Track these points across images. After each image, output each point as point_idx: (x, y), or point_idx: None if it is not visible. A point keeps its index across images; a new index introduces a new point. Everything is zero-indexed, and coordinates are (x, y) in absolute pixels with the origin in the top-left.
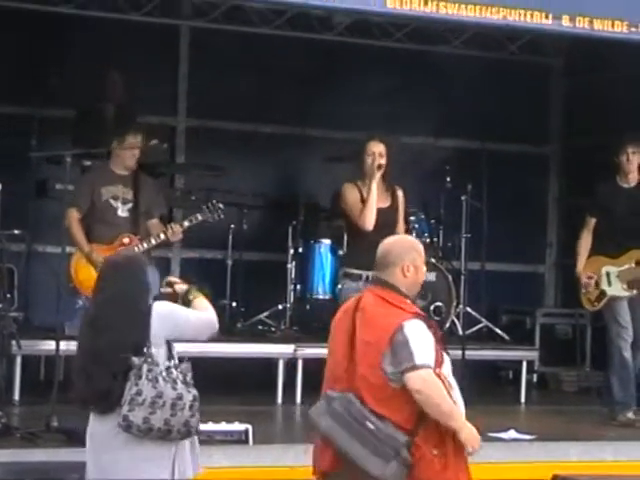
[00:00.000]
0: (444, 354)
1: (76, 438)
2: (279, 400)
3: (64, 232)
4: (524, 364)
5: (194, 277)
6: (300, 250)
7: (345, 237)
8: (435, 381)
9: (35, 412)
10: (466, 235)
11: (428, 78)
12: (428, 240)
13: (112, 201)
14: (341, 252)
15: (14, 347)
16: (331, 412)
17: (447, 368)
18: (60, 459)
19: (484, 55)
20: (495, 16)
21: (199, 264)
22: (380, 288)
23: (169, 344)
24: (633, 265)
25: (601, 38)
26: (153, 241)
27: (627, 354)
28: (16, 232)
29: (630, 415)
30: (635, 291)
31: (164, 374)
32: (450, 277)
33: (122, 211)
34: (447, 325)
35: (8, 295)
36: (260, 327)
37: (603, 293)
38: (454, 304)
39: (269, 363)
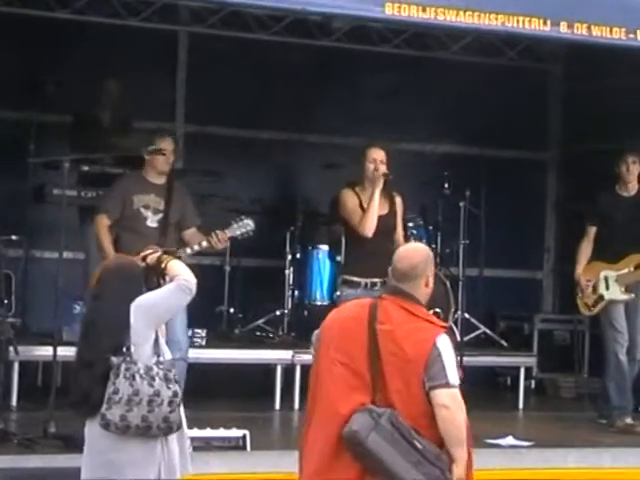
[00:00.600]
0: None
1: (73, 444)
2: (277, 406)
3: (62, 238)
4: (522, 370)
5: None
6: (298, 256)
7: (343, 243)
8: (462, 402)
9: (32, 418)
10: (464, 241)
11: (426, 84)
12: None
13: (143, 210)
14: (339, 258)
15: (11, 353)
16: (379, 429)
17: None
18: (57, 465)
19: (482, 61)
20: (493, 22)
21: (197, 270)
22: (402, 299)
23: (157, 341)
24: (632, 269)
25: (599, 44)
26: (189, 250)
27: (623, 358)
28: (14, 237)
29: (628, 420)
30: (633, 295)
31: (142, 372)
32: (448, 283)
33: (152, 221)
34: None
35: (5, 301)
36: (258, 333)
37: (601, 297)
38: (452, 310)
39: (267, 369)
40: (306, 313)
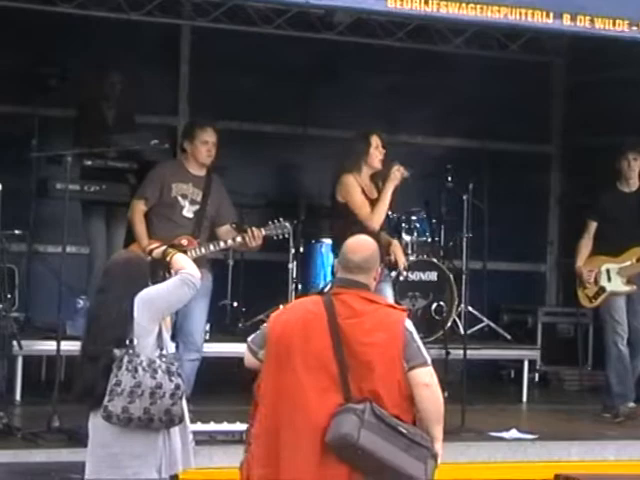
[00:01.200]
0: None
1: (77, 438)
2: None
3: (65, 232)
4: (526, 363)
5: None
6: (301, 250)
7: (337, 229)
8: (437, 381)
9: (36, 412)
10: (467, 234)
11: (429, 77)
12: (429, 239)
13: (180, 199)
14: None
15: (15, 347)
16: (366, 425)
17: None
18: (61, 459)
19: (485, 54)
20: (496, 15)
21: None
22: (359, 290)
23: (160, 334)
24: (634, 261)
25: (602, 36)
26: (212, 247)
27: (623, 348)
28: (17, 232)
29: (631, 405)
30: (635, 287)
31: (144, 364)
32: (451, 276)
33: (187, 211)
34: (449, 324)
35: (9, 295)
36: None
37: (602, 289)
38: (455, 303)
39: None
40: None
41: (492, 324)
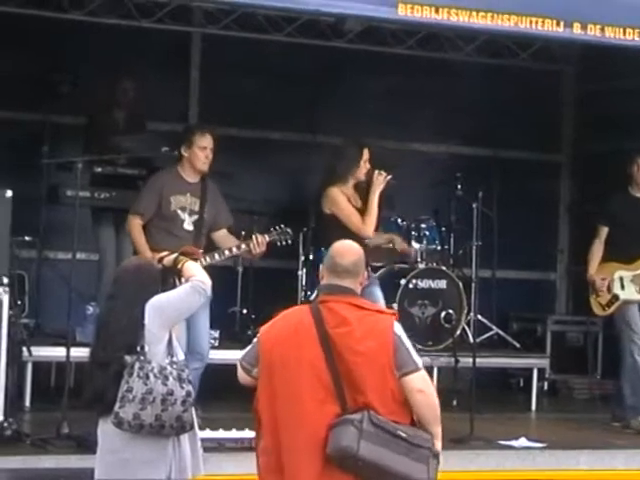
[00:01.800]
0: None
1: (87, 445)
2: None
3: (75, 239)
4: (535, 371)
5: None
6: (310, 257)
7: (326, 241)
8: (431, 383)
9: (46, 419)
10: (477, 242)
11: (439, 85)
12: (439, 247)
13: (180, 212)
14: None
15: (25, 353)
16: (365, 435)
17: None
18: (71, 466)
19: (495, 62)
20: (506, 23)
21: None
22: (346, 296)
23: (170, 341)
24: None
25: (612, 45)
26: (227, 252)
27: (639, 359)
28: (27, 238)
29: None
30: None
31: (155, 371)
32: (461, 284)
33: (188, 224)
34: (458, 332)
35: (19, 302)
36: None
37: (615, 297)
38: (465, 311)
39: None
40: None
41: (501, 332)
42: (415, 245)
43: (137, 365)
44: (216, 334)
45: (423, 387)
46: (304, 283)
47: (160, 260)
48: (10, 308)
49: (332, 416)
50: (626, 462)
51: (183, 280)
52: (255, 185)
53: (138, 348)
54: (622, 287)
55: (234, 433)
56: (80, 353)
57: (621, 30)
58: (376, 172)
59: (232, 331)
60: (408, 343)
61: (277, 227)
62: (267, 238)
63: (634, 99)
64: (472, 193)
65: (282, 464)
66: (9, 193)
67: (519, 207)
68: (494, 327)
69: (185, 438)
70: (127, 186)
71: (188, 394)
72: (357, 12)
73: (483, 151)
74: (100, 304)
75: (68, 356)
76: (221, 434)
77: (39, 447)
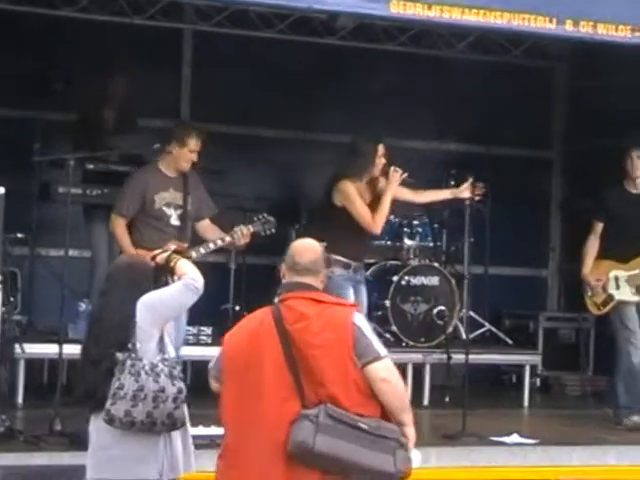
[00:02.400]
0: None
1: (79, 441)
2: None
3: (67, 236)
4: (527, 368)
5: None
6: None
7: (328, 225)
8: (396, 369)
9: (38, 415)
10: (469, 239)
11: (432, 82)
12: (431, 244)
13: (165, 209)
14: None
15: (17, 350)
16: (322, 429)
17: None
18: (63, 463)
19: (488, 59)
20: (499, 20)
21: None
22: (306, 292)
23: (162, 338)
24: None
25: (605, 42)
26: (212, 245)
27: (635, 360)
28: (19, 235)
29: (636, 419)
30: None
31: (147, 368)
32: (453, 281)
33: (175, 219)
34: (450, 329)
35: (11, 299)
36: None
37: (610, 297)
38: (457, 308)
39: None
40: None
41: (494, 329)
42: (408, 242)
43: (128, 362)
44: (209, 331)
45: (386, 376)
46: None
47: (153, 258)
48: (2, 305)
49: (294, 413)
50: (618, 458)
51: (176, 278)
52: (246, 182)
53: (129, 345)
54: (617, 287)
55: None
56: (72, 350)
57: (613, 27)
58: (392, 169)
59: (225, 328)
60: (370, 333)
61: (260, 216)
62: (251, 229)
63: (626, 96)
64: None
65: (244, 468)
66: (1, 190)
67: (511, 204)
68: (486, 324)
69: (177, 435)
70: (119, 183)
71: (179, 391)
72: (349, 9)
73: (475, 148)
74: (92, 301)
75: (60, 353)
76: (213, 431)
77: (32, 444)
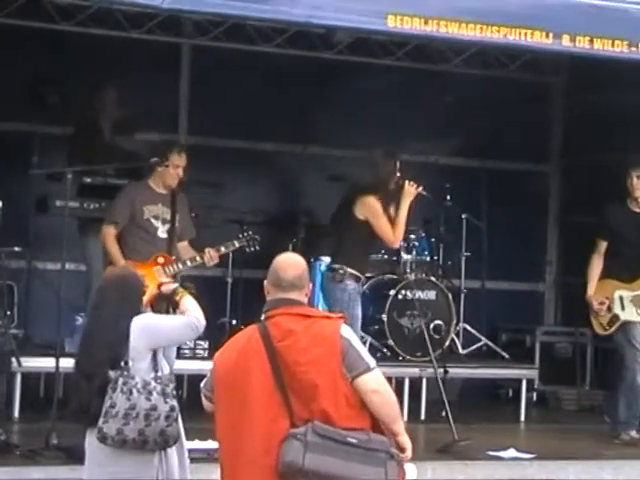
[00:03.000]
0: None
1: (76, 456)
2: None
3: (64, 249)
4: (524, 382)
5: (189, 282)
6: None
7: (346, 238)
8: (385, 381)
9: (35, 429)
10: (466, 253)
11: (429, 96)
12: (428, 258)
13: (153, 220)
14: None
15: (14, 364)
16: (310, 447)
17: None
18: (59, 477)
19: (484, 73)
20: (495, 35)
21: (199, 282)
22: (292, 307)
23: (155, 356)
24: None
25: (601, 57)
26: (189, 263)
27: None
28: (16, 249)
29: (633, 434)
30: None
31: (139, 386)
32: (450, 295)
33: (162, 232)
34: (447, 343)
35: (8, 312)
36: None
37: (616, 317)
38: (454, 322)
39: None
40: None
41: (490, 343)
42: (405, 256)
43: (121, 380)
44: (205, 345)
45: (377, 387)
46: None
47: (159, 286)
48: None
49: (283, 432)
50: (614, 473)
51: (178, 312)
52: (245, 196)
53: (122, 363)
54: (622, 308)
55: None
56: (69, 364)
57: (610, 42)
58: (407, 183)
59: (221, 342)
60: (358, 345)
61: (245, 234)
62: (222, 250)
63: (622, 110)
64: (461, 204)
65: None
66: None
67: (508, 218)
68: (483, 338)
69: (172, 449)
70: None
71: (172, 409)
72: (347, 24)
73: (472, 162)
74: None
75: (57, 367)
76: (210, 444)
77: (28, 458)
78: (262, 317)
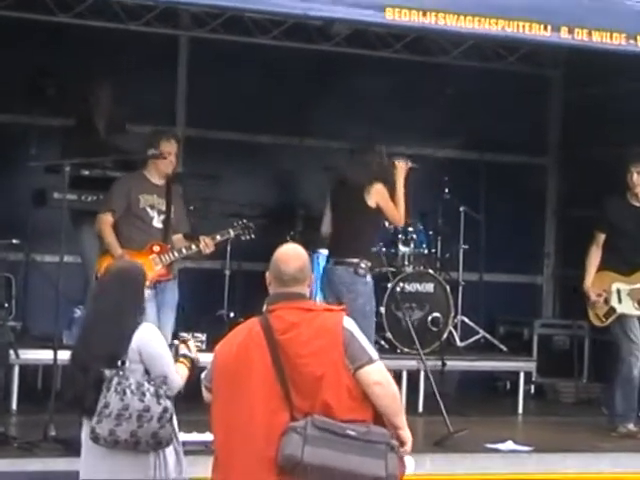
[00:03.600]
0: None
1: (74, 448)
2: None
3: (62, 242)
4: (522, 375)
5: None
6: None
7: (362, 230)
8: (388, 372)
9: (33, 421)
10: (464, 246)
11: (427, 89)
12: (426, 251)
13: (149, 210)
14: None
15: (12, 356)
16: (310, 440)
17: None
18: (57, 469)
19: (483, 66)
20: (494, 27)
21: (197, 274)
22: (294, 301)
23: None
24: None
25: (599, 50)
26: (184, 251)
27: (636, 370)
28: (14, 241)
29: (631, 427)
30: None
31: (133, 387)
32: (448, 288)
33: (157, 221)
34: (445, 336)
35: (6, 304)
36: None
37: (613, 310)
38: (452, 315)
39: None
40: None
41: (488, 336)
42: (403, 249)
43: (115, 380)
44: (203, 337)
45: (380, 379)
46: None
47: (184, 341)
48: None
49: (283, 425)
50: (612, 465)
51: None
52: (242, 188)
53: (119, 363)
54: (619, 300)
55: None
56: (67, 356)
57: (608, 34)
58: (395, 161)
59: (219, 335)
60: (361, 337)
61: (240, 222)
62: (218, 238)
63: (620, 103)
64: (459, 197)
65: None
66: None
67: (506, 211)
68: (481, 330)
69: (169, 449)
70: None
71: (165, 410)
72: (344, 16)
73: (470, 154)
74: (86, 305)
75: (55, 359)
76: (208, 436)
77: (26, 450)
78: (264, 310)
